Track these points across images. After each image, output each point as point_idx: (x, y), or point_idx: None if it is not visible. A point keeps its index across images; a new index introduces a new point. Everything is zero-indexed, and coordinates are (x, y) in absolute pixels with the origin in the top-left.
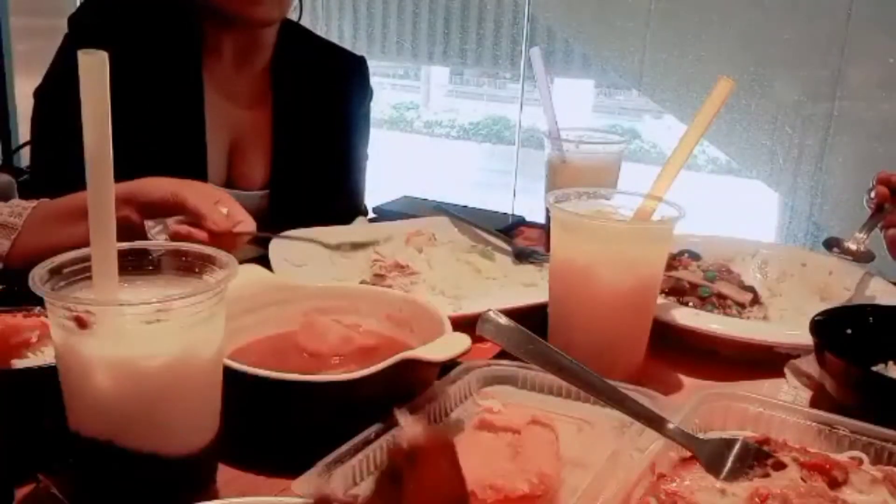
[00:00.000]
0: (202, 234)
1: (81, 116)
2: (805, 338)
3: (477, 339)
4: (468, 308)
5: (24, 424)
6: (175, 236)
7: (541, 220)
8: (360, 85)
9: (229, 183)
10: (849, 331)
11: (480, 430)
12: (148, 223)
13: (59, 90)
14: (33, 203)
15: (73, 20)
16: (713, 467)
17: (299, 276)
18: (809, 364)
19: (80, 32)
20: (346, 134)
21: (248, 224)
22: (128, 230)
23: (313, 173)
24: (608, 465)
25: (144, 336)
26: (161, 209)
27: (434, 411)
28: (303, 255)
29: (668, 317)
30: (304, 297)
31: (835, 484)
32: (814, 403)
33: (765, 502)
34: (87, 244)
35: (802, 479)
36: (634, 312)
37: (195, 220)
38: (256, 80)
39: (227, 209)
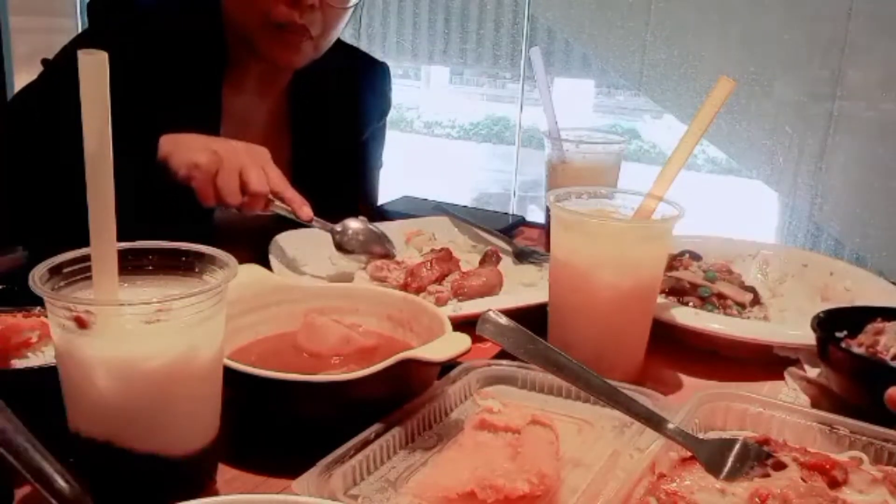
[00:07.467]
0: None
1: (79, 119)
2: (805, 338)
3: (477, 339)
4: (468, 308)
5: (25, 424)
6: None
7: (541, 220)
8: (381, 97)
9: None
10: (848, 331)
11: (480, 430)
12: None
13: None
14: None
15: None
16: (713, 467)
17: (299, 276)
18: (808, 369)
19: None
20: (364, 147)
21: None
22: None
23: (330, 188)
24: (608, 465)
25: (144, 336)
26: None
27: (434, 411)
28: (303, 255)
29: (668, 317)
30: (304, 297)
31: (835, 484)
32: (815, 404)
33: (765, 502)
34: None
35: (802, 479)
36: (634, 312)
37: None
38: (275, 102)
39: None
